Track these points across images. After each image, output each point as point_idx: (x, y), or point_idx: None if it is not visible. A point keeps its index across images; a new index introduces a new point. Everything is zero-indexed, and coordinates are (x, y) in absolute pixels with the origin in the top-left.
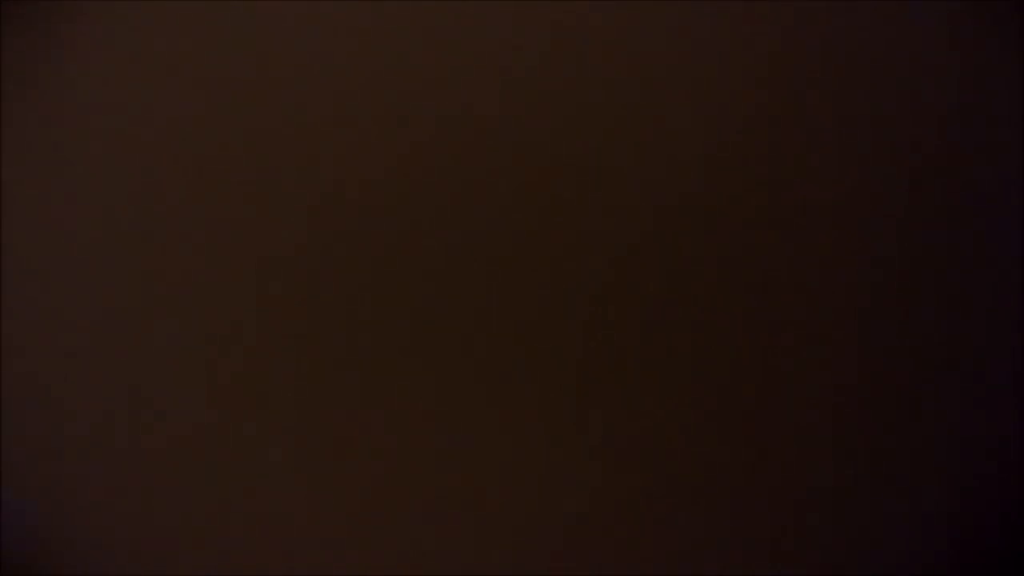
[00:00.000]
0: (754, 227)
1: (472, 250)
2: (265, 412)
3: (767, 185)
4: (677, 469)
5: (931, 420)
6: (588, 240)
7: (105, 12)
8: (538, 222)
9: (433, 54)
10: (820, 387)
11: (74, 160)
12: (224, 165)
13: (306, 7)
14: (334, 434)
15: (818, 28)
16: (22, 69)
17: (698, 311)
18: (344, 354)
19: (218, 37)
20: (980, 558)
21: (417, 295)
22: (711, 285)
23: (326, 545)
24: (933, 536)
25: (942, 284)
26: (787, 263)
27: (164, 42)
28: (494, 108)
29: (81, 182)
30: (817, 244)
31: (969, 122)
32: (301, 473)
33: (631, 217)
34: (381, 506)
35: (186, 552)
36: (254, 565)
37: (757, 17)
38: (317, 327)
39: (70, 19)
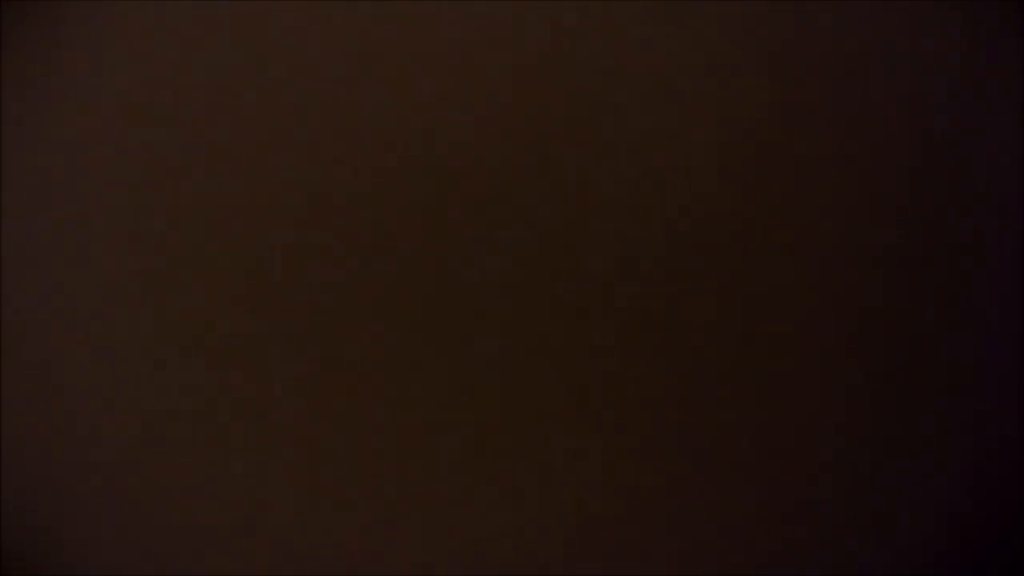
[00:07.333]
0: (756, 226)
1: (475, 250)
2: (265, 412)
3: (768, 185)
4: (679, 469)
5: (931, 420)
6: (589, 240)
7: (105, 12)
8: (539, 222)
9: (436, 53)
10: (821, 387)
11: (74, 160)
12: (224, 164)
13: (305, 7)
14: (335, 434)
15: (819, 29)
16: (22, 69)
17: (699, 311)
18: (345, 354)
19: (218, 37)
20: (980, 558)
21: (417, 295)
22: (712, 285)
23: (326, 545)
24: (933, 536)
25: (942, 284)
26: (788, 263)
27: (163, 42)
28: (496, 109)
29: (81, 181)
30: (818, 244)
31: (969, 121)
32: (301, 473)
33: (632, 217)
34: (381, 506)
35: (186, 552)
36: (254, 565)
37: (759, 18)
38: (318, 326)
39: (70, 19)
